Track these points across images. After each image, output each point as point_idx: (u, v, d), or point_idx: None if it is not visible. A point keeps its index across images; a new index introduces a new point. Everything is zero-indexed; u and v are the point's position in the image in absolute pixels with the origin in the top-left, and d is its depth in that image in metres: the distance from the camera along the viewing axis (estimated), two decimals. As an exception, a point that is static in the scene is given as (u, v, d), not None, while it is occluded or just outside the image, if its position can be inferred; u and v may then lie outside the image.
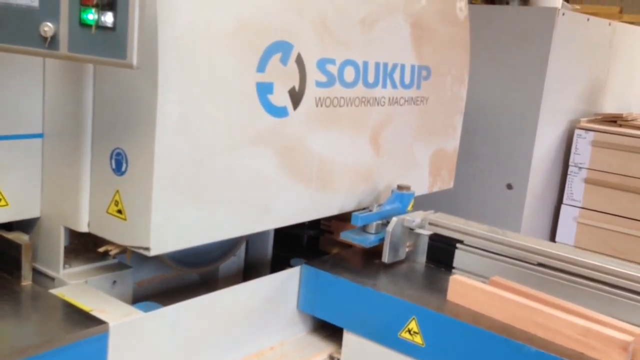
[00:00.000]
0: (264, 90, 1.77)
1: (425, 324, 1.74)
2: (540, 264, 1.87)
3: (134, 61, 1.29)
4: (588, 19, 3.69)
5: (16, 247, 1.69)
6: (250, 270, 2.33)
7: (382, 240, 2.06)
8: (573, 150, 3.75)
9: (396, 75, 2.27)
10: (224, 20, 1.63)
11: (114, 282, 1.85)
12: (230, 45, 1.66)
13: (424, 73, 2.41)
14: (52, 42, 1.30)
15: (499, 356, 1.62)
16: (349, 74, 2.06)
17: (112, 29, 1.28)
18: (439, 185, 2.69)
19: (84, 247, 1.91)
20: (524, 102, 3.48)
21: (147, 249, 1.59)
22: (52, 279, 1.79)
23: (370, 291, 1.86)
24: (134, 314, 1.61)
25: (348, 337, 1.92)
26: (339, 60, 2.01)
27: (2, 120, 1.69)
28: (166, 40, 1.50)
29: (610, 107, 4.14)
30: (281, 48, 1.80)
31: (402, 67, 2.30)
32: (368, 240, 2.09)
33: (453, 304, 1.79)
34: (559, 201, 3.85)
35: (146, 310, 1.65)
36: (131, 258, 1.94)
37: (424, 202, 2.81)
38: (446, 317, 1.72)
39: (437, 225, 2.10)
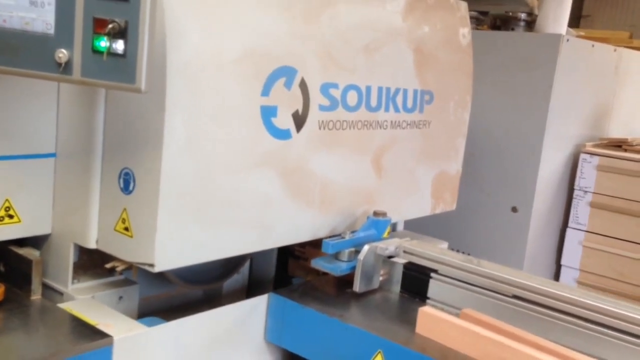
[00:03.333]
0: (268, 113, 1.84)
1: (392, 358, 1.68)
2: (515, 296, 1.78)
3: (143, 86, 1.36)
4: (593, 45, 3.74)
5: (27, 262, 1.76)
6: (253, 288, 2.38)
7: (354, 268, 1.99)
8: (578, 174, 3.78)
9: (399, 99, 2.33)
10: (230, 48, 1.70)
11: (120, 297, 1.91)
12: (235, 71, 1.73)
13: (426, 97, 2.47)
14: (66, 67, 1.37)
15: None
16: (352, 98, 2.12)
17: (123, 55, 1.35)
18: (442, 207, 2.73)
19: (93, 263, 1.96)
20: (529, 127, 3.52)
21: (152, 265, 1.65)
22: (61, 293, 1.84)
23: (336, 322, 1.80)
24: (138, 329, 1.67)
25: None
26: (342, 84, 2.08)
27: (17, 140, 1.76)
28: (174, 66, 1.57)
29: (616, 132, 4.17)
30: (285, 73, 1.87)
31: (405, 91, 2.36)
32: (339, 268, 2.00)
33: (422, 337, 1.73)
34: (564, 224, 3.88)
35: (150, 325, 1.70)
36: (137, 275, 2.00)
37: (429, 225, 2.86)
38: (412, 352, 1.64)
39: (411, 254, 2.03)
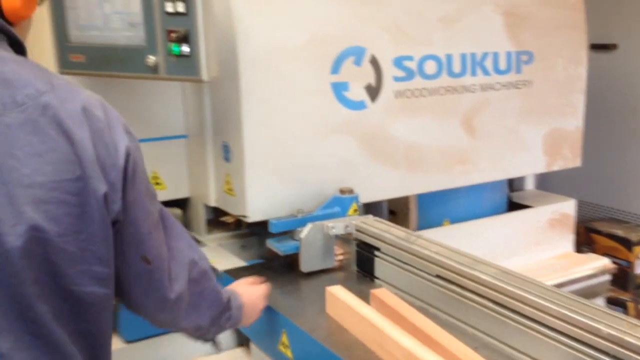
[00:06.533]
0: (339, 88, 2.16)
1: (293, 338, 1.65)
2: (437, 276, 1.65)
3: (205, 77, 1.80)
4: None
5: (168, 218, 2.33)
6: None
7: (297, 249, 1.95)
8: None
9: (488, 63, 2.47)
10: (295, 36, 2.07)
11: (243, 246, 2.39)
12: (303, 55, 2.08)
13: (524, 58, 2.56)
14: (154, 69, 1.86)
15: None
16: (430, 67, 2.33)
17: (189, 56, 1.80)
18: (561, 164, 2.76)
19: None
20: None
21: (246, 216, 2.10)
22: (198, 242, 2.39)
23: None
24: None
25: (253, 347, 1.92)
26: (417, 56, 2.30)
27: (161, 126, 2.34)
28: (245, 57, 1.99)
29: None
30: (353, 53, 2.17)
31: (495, 54, 2.48)
32: (286, 246, 1.98)
33: (328, 317, 1.67)
34: None
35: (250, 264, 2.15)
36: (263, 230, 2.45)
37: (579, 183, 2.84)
38: (303, 332, 1.60)
39: (360, 232, 1.94)
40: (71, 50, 1.97)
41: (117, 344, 1.88)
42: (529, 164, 2.68)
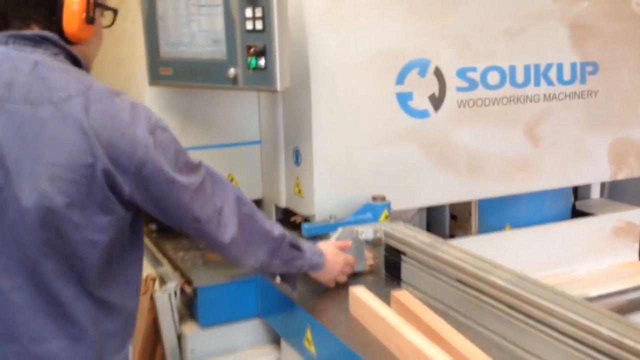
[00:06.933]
0: (404, 98, 2.29)
1: (316, 334, 1.74)
2: (458, 280, 1.69)
3: (278, 87, 1.98)
4: None
5: (243, 217, 2.52)
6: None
7: None
8: None
9: (552, 74, 2.53)
10: (364, 50, 2.22)
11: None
12: (369, 68, 2.23)
13: (589, 69, 2.61)
14: (234, 80, 2.05)
15: None
16: (493, 78, 2.43)
17: (265, 68, 1.98)
18: (627, 173, 2.79)
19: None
20: None
21: (314, 216, 2.26)
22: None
23: (284, 298, 1.89)
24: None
25: (283, 343, 2.00)
26: (480, 67, 2.40)
27: (238, 133, 2.53)
28: (315, 71, 2.15)
29: None
30: (418, 65, 2.30)
31: (560, 65, 2.55)
32: None
33: (350, 316, 1.73)
34: None
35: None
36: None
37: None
38: (325, 329, 1.69)
39: (388, 237, 1.97)
40: (161, 64, 2.20)
41: (194, 328, 2.09)
42: (592, 173, 2.72)
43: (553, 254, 2.66)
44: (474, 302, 1.64)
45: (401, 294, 1.71)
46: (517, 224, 2.67)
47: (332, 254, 1.88)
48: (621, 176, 2.79)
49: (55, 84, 1.37)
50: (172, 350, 2.10)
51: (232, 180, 2.54)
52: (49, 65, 1.40)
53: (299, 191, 2.33)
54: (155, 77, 2.26)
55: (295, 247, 1.75)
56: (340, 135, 2.23)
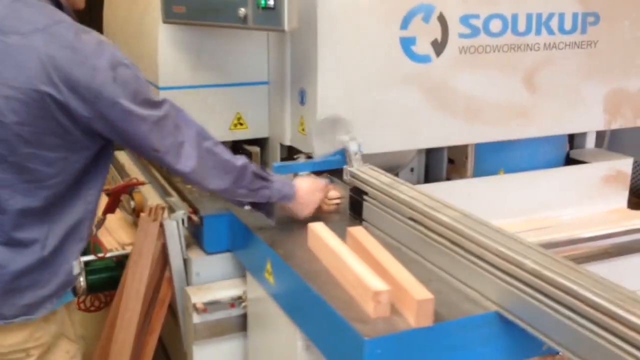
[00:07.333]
0: (407, 43, 2.37)
1: (275, 266, 1.87)
2: (410, 218, 1.80)
3: (285, 27, 2.06)
4: None
5: (249, 154, 2.64)
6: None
7: None
8: None
9: (553, 23, 2.60)
10: (369, -6, 2.29)
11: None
12: (374, 13, 2.30)
13: (590, 19, 2.67)
14: (244, 19, 2.13)
15: (304, 299, 1.70)
16: (495, 25, 2.49)
17: (274, 8, 2.06)
18: (621, 123, 2.88)
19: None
20: None
21: (314, 153, 2.37)
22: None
23: (247, 230, 2.04)
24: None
25: (248, 275, 2.14)
26: (483, 15, 2.47)
27: (247, 73, 2.62)
28: (323, 13, 2.23)
29: None
30: (422, 10, 2.36)
31: (561, 15, 2.61)
32: None
33: (307, 250, 1.86)
34: None
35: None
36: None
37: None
38: (281, 260, 1.82)
39: (354, 177, 2.11)
40: (175, 2, 2.28)
41: (199, 253, 2.26)
42: (587, 121, 2.81)
43: (544, 199, 2.77)
44: (423, 239, 1.76)
45: (356, 230, 1.82)
46: (512, 170, 2.77)
47: (306, 187, 2.02)
48: (615, 126, 2.88)
49: (26, 18, 1.61)
50: (179, 273, 2.25)
51: (239, 119, 2.64)
52: (26, 1, 1.64)
53: (303, 129, 2.43)
54: (169, 15, 2.34)
55: (261, 177, 1.91)
56: (344, 77, 2.32)
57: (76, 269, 1.85)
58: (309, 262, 1.79)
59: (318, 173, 2.31)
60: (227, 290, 2.20)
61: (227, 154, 1.86)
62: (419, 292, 1.45)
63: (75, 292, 1.94)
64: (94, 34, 1.67)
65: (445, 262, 1.68)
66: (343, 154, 2.24)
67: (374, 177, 2.03)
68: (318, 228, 1.87)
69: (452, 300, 1.56)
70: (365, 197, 2.04)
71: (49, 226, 1.74)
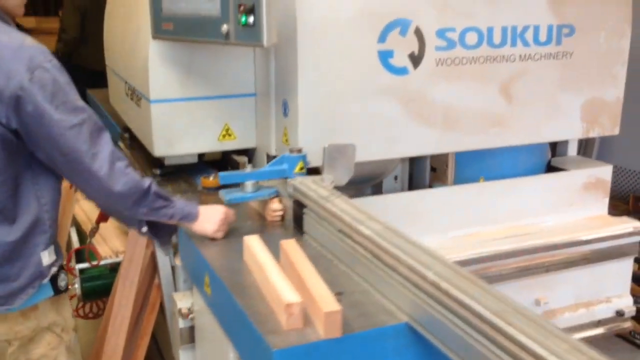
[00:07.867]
0: (385, 55, 2.47)
1: (212, 279, 1.90)
2: (340, 231, 1.83)
3: (265, 43, 2.17)
4: None
5: (236, 164, 2.74)
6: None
7: (241, 199, 2.25)
8: None
9: (528, 35, 2.69)
10: (346, 9, 2.39)
11: (299, 191, 2.77)
12: (353, 27, 2.41)
13: (565, 30, 2.76)
14: (227, 36, 2.25)
15: (232, 312, 1.72)
16: (471, 38, 2.60)
17: (253, 25, 2.17)
18: (598, 131, 2.96)
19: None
20: None
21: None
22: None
23: (191, 244, 2.07)
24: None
25: (194, 288, 2.17)
26: (459, 28, 2.57)
27: (235, 85, 2.72)
28: (303, 27, 2.34)
29: None
30: (399, 24, 2.47)
31: (536, 27, 2.70)
32: (232, 196, 2.24)
33: (242, 263, 1.89)
34: None
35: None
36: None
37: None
38: (215, 274, 1.85)
39: (296, 190, 2.12)
40: (163, 19, 2.40)
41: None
42: (565, 130, 2.89)
43: (525, 206, 2.86)
44: (350, 251, 1.79)
45: (287, 243, 1.83)
46: (493, 178, 2.86)
47: (209, 208, 2.06)
48: (593, 134, 2.96)
49: None
50: (167, 279, 2.35)
51: (227, 129, 2.75)
52: None
53: (286, 140, 2.54)
54: (158, 32, 2.47)
55: (163, 197, 1.97)
56: (324, 89, 2.42)
57: (45, 260, 1.93)
58: (242, 275, 1.82)
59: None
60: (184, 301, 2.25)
61: (136, 175, 1.90)
62: (328, 304, 1.47)
63: (56, 289, 1.99)
64: (18, 36, 1.76)
65: (368, 273, 1.71)
66: (289, 161, 2.26)
67: (313, 190, 2.05)
68: (251, 241, 1.89)
69: (370, 312, 1.58)
70: (304, 210, 2.07)
71: (8, 224, 1.84)
